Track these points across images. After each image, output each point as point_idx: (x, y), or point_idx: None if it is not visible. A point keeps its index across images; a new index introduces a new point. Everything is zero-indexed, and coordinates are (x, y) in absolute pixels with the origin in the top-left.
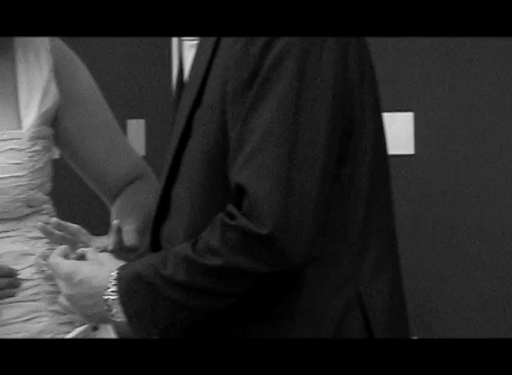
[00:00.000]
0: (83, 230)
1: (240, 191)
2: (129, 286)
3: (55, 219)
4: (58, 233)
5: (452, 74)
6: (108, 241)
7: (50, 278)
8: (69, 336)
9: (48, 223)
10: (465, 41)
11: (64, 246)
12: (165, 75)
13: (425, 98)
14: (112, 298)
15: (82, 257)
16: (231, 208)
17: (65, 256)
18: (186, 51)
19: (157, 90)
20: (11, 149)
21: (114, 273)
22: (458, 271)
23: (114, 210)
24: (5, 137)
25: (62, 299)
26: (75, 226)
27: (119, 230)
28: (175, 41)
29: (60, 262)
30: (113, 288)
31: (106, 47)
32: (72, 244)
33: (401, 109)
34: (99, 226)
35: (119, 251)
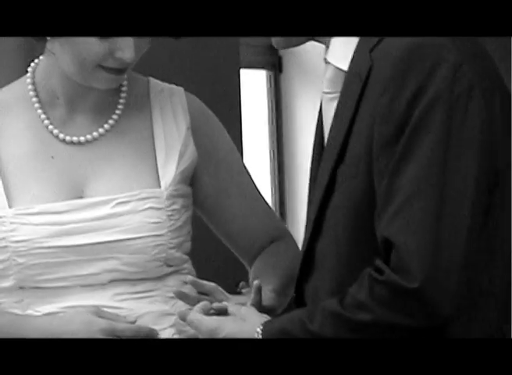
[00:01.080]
0: (220, 289)
1: (388, 245)
2: None
3: (190, 277)
4: (194, 295)
5: None
6: (245, 300)
7: (192, 337)
8: None
9: (185, 282)
10: None
11: (204, 302)
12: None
13: None
14: None
15: (222, 312)
16: (379, 262)
17: (206, 312)
18: (325, 104)
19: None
20: (150, 208)
21: (259, 329)
22: None
23: (253, 270)
24: (143, 195)
25: None
26: (212, 284)
27: (259, 290)
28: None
29: (202, 318)
30: None
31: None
32: (210, 304)
33: None
34: (237, 287)
35: (258, 311)
